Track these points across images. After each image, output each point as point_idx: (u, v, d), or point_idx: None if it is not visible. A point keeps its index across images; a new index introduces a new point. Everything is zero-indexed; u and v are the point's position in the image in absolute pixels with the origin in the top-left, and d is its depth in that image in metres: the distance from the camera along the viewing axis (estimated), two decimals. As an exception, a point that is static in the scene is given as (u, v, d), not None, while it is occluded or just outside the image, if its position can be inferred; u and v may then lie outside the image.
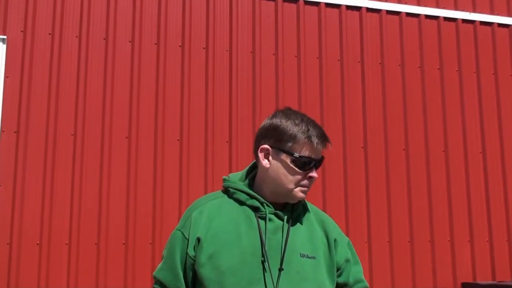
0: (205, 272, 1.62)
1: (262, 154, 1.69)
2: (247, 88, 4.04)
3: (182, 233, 1.68)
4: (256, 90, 4.04)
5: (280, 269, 1.62)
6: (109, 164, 3.72)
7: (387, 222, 4.14)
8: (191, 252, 1.65)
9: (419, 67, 4.45)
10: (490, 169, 4.42)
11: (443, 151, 4.35)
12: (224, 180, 1.78)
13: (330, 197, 4.03)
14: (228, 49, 4.07)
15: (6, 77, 3.67)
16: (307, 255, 1.67)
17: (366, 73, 4.31)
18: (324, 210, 1.97)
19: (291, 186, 1.66)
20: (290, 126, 1.66)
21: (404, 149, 4.28)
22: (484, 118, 4.49)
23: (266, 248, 1.62)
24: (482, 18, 4.64)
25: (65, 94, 3.74)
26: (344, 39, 4.31)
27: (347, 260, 1.76)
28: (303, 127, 1.65)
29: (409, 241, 4.16)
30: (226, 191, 1.75)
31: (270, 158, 1.68)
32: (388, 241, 4.12)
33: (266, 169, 1.68)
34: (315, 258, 1.68)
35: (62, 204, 3.61)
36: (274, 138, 1.67)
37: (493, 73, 4.60)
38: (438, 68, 4.48)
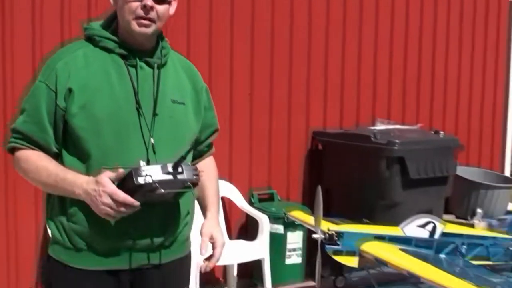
0: (78, 121, 1.61)
1: None
2: None
3: (47, 86, 1.63)
4: None
5: (154, 115, 1.66)
6: None
7: (249, 73, 4.27)
8: (61, 103, 1.62)
9: None
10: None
11: None
12: (86, 29, 1.72)
13: (194, 45, 4.02)
14: None
15: None
16: (177, 101, 1.73)
17: None
18: (188, 58, 1.98)
19: (128, 17, 1.63)
20: None
21: None
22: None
23: (139, 95, 1.65)
24: None
25: None
26: None
27: (205, 107, 1.86)
28: None
29: (269, 93, 4.35)
30: (90, 39, 1.70)
31: None
32: (249, 94, 4.28)
33: (116, 9, 1.67)
34: (184, 104, 1.75)
35: None
36: None
37: None
38: None
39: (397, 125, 4.57)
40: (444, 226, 1.80)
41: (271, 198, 4.38)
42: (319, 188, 1.58)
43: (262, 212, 3.96)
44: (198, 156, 1.91)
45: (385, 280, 1.87)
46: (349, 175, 4.22)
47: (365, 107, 4.83)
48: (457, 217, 4.87)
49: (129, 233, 1.65)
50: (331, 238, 1.65)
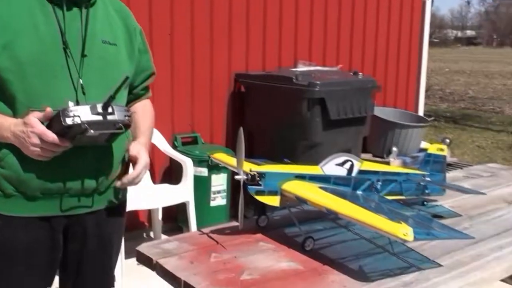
0: (0, 63, 1.53)
1: None
2: None
3: None
4: None
5: (83, 56, 1.61)
6: None
7: (169, 13, 4.14)
8: None
9: None
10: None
11: None
12: None
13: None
14: None
15: None
16: (108, 42, 1.68)
17: None
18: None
19: None
20: None
21: None
22: None
23: (66, 36, 1.59)
24: None
25: None
26: None
27: (139, 50, 1.82)
28: None
29: (190, 34, 4.26)
30: None
31: None
32: (169, 34, 4.17)
33: None
34: (116, 45, 1.70)
35: None
36: None
37: None
38: None
39: (318, 67, 4.64)
40: (361, 164, 1.87)
41: (194, 141, 4.38)
42: (241, 129, 1.59)
43: (186, 156, 3.96)
44: (134, 99, 1.88)
45: (305, 218, 1.93)
46: (271, 117, 4.27)
47: (287, 50, 4.85)
48: (374, 156, 5.10)
49: (60, 177, 1.61)
50: (253, 179, 1.67)
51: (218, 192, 4.09)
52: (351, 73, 4.55)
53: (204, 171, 4.00)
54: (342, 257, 1.66)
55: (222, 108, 4.53)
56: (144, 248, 1.70)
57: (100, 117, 1.46)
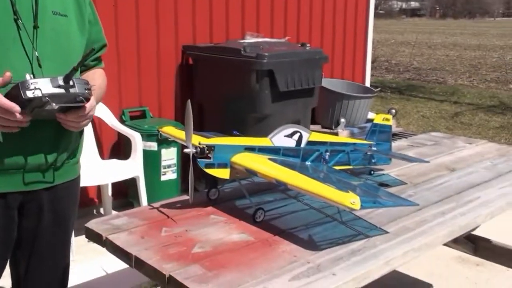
0: None
1: None
2: None
3: None
4: None
5: (35, 27, 1.57)
6: None
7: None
8: None
9: None
10: None
11: None
12: None
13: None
14: None
15: None
16: (59, 13, 1.65)
17: None
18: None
19: None
20: None
21: None
22: None
23: (17, 6, 1.54)
24: None
25: None
26: None
27: (89, 21, 1.79)
28: None
29: (135, 5, 4.16)
30: None
31: None
32: (113, 5, 4.06)
33: None
34: (66, 16, 1.67)
35: None
36: None
37: None
38: None
39: (265, 39, 4.63)
40: (310, 135, 1.89)
41: (143, 115, 4.31)
42: (189, 102, 1.57)
43: (134, 130, 3.90)
44: (85, 71, 1.85)
45: (256, 190, 1.95)
46: (220, 89, 4.25)
47: (235, 22, 4.81)
48: (323, 127, 5.17)
49: (20, 152, 1.58)
50: (202, 152, 1.66)
51: (169, 166, 4.06)
52: (299, 45, 4.56)
53: (153, 146, 3.96)
54: (292, 227, 1.68)
55: (170, 81, 4.47)
56: (93, 224, 1.67)
57: (61, 90, 1.44)
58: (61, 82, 1.44)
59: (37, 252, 1.78)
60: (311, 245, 1.57)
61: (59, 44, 1.64)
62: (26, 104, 1.42)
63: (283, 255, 1.50)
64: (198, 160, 1.66)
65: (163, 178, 4.05)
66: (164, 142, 3.95)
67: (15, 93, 1.41)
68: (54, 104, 1.44)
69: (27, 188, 1.65)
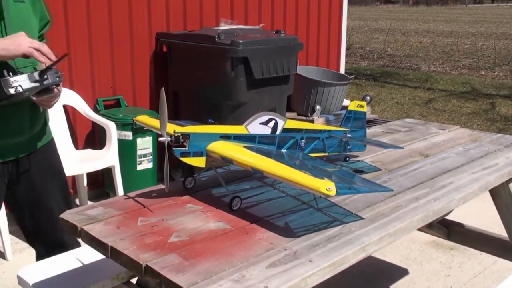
0: None
1: None
2: None
3: None
4: None
5: (2, 18, 1.67)
6: None
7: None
8: None
9: None
10: None
11: None
12: None
13: None
14: None
15: None
16: (19, 0, 1.74)
17: None
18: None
19: None
20: None
21: None
22: None
23: None
24: None
25: None
26: None
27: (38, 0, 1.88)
28: None
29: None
30: None
31: None
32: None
33: None
34: (24, 2, 1.77)
35: None
36: None
37: None
38: None
39: (240, 26, 4.60)
40: (285, 123, 1.89)
41: (117, 104, 4.27)
42: (163, 90, 1.56)
43: (109, 119, 3.86)
44: None
45: (232, 178, 1.95)
46: (195, 77, 4.22)
47: (209, 9, 4.77)
48: (299, 114, 5.18)
49: (2, 134, 1.83)
50: (177, 141, 1.65)
51: (144, 155, 4.03)
52: (274, 32, 4.55)
53: (128, 135, 3.92)
54: (269, 215, 1.69)
55: (145, 69, 4.43)
56: (67, 215, 1.65)
57: (37, 84, 1.70)
58: (37, 77, 1.69)
59: (36, 203, 2.07)
60: (288, 232, 1.57)
61: (25, 31, 1.69)
62: (7, 97, 1.67)
63: (260, 242, 1.50)
64: (174, 149, 1.65)
65: (139, 167, 4.02)
66: (140, 131, 3.92)
67: None
68: (34, 98, 1.74)
69: (9, 158, 1.92)
